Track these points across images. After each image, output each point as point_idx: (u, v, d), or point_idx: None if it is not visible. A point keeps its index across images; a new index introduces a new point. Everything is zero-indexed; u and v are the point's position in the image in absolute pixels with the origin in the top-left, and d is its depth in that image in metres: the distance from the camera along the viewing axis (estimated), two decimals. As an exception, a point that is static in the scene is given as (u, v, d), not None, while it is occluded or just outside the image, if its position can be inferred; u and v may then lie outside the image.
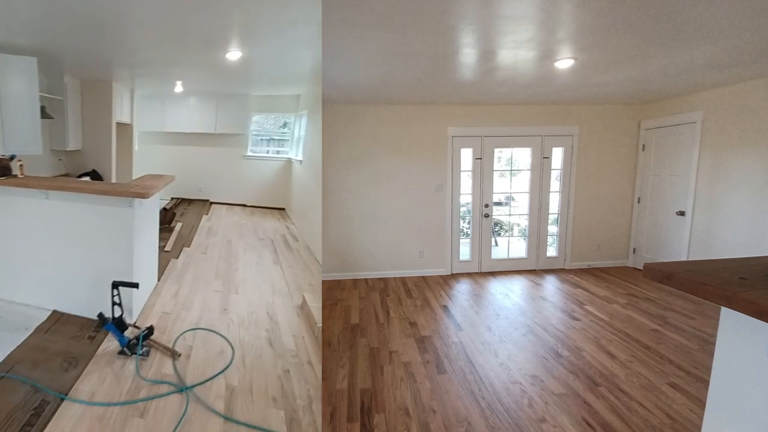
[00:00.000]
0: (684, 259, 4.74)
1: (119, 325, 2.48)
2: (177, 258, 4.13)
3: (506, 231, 6.88)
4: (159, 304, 3.10)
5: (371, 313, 4.06)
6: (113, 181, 5.68)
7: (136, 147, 6.94)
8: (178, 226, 5.47)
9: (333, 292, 4.80)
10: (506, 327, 3.70)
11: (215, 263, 4.09)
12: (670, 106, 4.98)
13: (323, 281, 5.18)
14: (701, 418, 2.30)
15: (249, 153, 7.20)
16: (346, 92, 4.37)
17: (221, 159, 7.18)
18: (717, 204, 4.34)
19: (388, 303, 4.38)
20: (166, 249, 4.40)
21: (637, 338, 3.39)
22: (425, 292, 4.77)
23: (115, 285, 2.51)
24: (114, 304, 2.51)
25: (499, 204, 5.97)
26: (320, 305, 3.12)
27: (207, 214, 6.51)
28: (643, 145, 5.46)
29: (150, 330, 2.57)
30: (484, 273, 5.54)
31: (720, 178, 4.31)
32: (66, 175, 5.33)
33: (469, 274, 5.49)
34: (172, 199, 7.09)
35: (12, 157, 3.15)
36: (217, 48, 3.32)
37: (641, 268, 5.41)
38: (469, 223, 5.61)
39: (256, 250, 4.57)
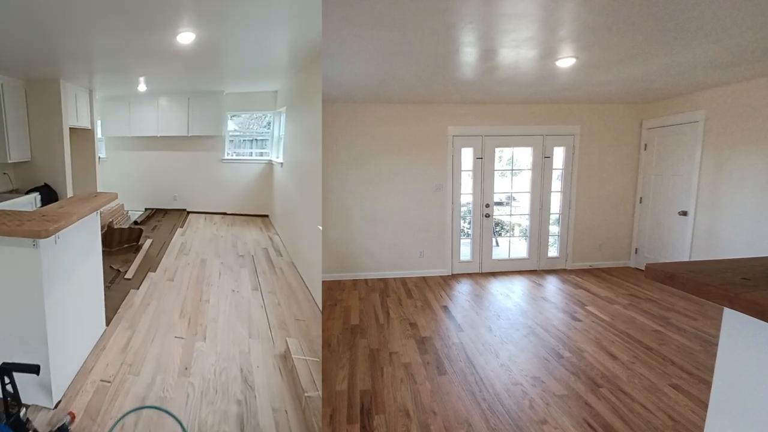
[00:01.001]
0: (686, 259, 4.72)
1: (16, 427, 1.79)
2: (138, 288, 3.55)
3: (507, 231, 6.85)
4: (100, 366, 2.42)
5: (371, 314, 4.05)
6: (69, 195, 4.94)
7: (101, 154, 6.37)
8: (147, 243, 4.94)
9: (333, 292, 4.78)
10: (507, 328, 3.68)
11: (183, 294, 3.48)
12: (672, 106, 4.95)
13: (323, 281, 5.16)
14: (704, 420, 2.28)
15: (226, 156, 6.75)
16: (345, 91, 4.35)
17: (197, 164, 6.70)
18: (719, 204, 4.32)
19: (388, 304, 4.36)
20: (126, 276, 3.84)
21: (639, 339, 3.37)
22: (425, 292, 4.75)
23: (5, 370, 1.81)
24: (5, 395, 1.81)
25: (499, 204, 5.94)
26: (312, 356, 2.55)
27: (182, 226, 5.94)
28: (645, 145, 5.43)
29: (63, 428, 1.88)
30: (485, 273, 5.52)
31: (723, 178, 4.28)
32: (14, 191, 4.63)
33: (469, 275, 5.47)
34: (146, 210, 6.61)
35: None
36: (166, 29, 2.83)
37: (643, 268, 5.39)
38: (469, 223, 5.59)
39: (234, 272, 4.08)
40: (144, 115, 6.46)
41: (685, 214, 4.76)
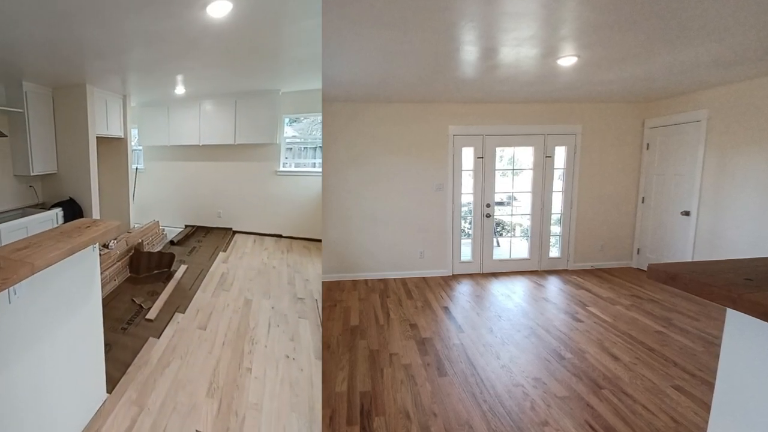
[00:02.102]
0: (689, 259, 4.69)
1: None
2: (159, 337, 2.80)
3: (508, 231, 6.83)
4: None
5: (371, 315, 4.03)
6: (95, 213, 4.42)
7: (138, 165, 5.77)
8: (181, 270, 4.18)
9: (332, 293, 4.76)
10: (508, 329, 3.66)
11: (216, 354, 2.59)
12: (674, 105, 4.93)
13: (322, 282, 5.15)
14: (706, 422, 2.26)
15: (282, 167, 5.67)
16: (345, 90, 4.33)
17: (246, 176, 5.74)
18: (722, 204, 4.29)
19: (388, 304, 4.34)
20: (148, 317, 3.12)
21: (642, 340, 3.35)
22: (426, 293, 4.73)
23: None
24: None
25: (500, 204, 5.92)
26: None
27: (225, 249, 4.99)
28: (648, 144, 5.41)
29: None
30: (486, 274, 5.50)
31: (725, 178, 4.26)
32: (40, 205, 4.32)
33: (470, 275, 5.45)
34: (185, 227, 5.83)
35: None
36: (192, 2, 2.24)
37: (645, 268, 5.36)
38: (470, 223, 5.57)
39: (290, 323, 3.07)
40: (184, 121, 5.70)
41: (687, 214, 4.73)
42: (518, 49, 2.91)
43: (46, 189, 4.55)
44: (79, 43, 2.98)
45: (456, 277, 5.37)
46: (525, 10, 2.23)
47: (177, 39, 2.90)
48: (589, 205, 5.55)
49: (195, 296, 3.57)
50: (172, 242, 5.33)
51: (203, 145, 5.73)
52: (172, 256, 4.30)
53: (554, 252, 5.68)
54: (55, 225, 3.88)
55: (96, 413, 2.07)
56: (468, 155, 5.36)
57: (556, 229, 5.68)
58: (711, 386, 2.58)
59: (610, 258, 5.69)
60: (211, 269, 4.28)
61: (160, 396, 2.21)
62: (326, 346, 3.31)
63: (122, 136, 5.16)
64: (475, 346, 3.30)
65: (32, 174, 4.14)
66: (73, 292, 1.96)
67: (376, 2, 2.10)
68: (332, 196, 5.19)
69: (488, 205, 5.44)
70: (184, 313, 3.24)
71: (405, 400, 2.55)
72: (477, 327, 3.71)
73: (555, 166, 5.49)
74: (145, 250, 4.48)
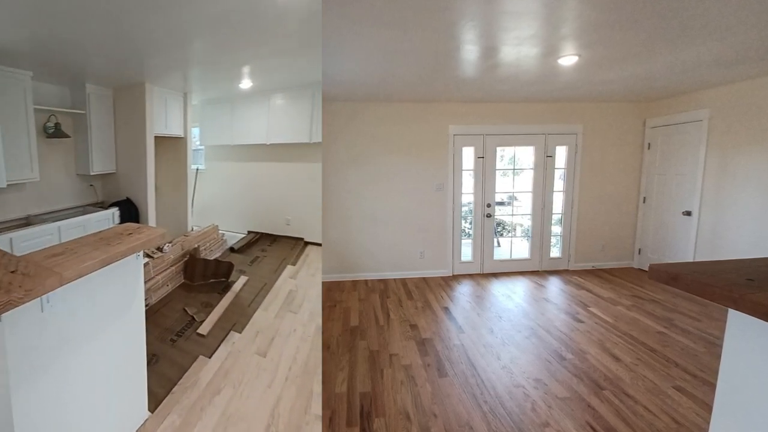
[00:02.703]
0: (690, 259, 4.67)
1: None
2: (211, 357, 2.53)
3: (509, 231, 6.81)
4: None
5: (371, 315, 4.02)
6: (151, 214, 4.32)
7: (200, 165, 5.44)
8: (241, 282, 3.82)
9: (332, 293, 4.76)
10: (509, 329, 3.64)
11: (277, 389, 2.21)
12: (676, 104, 4.91)
13: (322, 282, 5.14)
14: (708, 423, 2.25)
15: None
16: (345, 89, 4.32)
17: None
18: (724, 204, 4.28)
19: (388, 305, 4.33)
20: (200, 331, 2.85)
21: (643, 341, 3.34)
22: (426, 293, 4.72)
23: None
24: None
25: (501, 204, 5.91)
26: None
27: (294, 263, 4.46)
28: (649, 144, 5.39)
29: None
30: (486, 274, 5.48)
31: (727, 178, 4.24)
32: (99, 203, 4.39)
33: (470, 276, 5.44)
34: (248, 233, 5.38)
35: None
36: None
37: (646, 269, 5.34)
38: (470, 223, 5.56)
39: None
40: (250, 118, 5.25)
41: (689, 214, 4.72)
42: (519, 49, 2.90)
43: (105, 188, 4.61)
44: (137, 39, 2.87)
45: (456, 278, 5.36)
46: (526, 9, 2.22)
47: (245, 22, 2.54)
48: (590, 205, 5.53)
49: (255, 315, 3.13)
50: (232, 249, 4.90)
51: (271, 144, 5.17)
52: (230, 266, 3.93)
53: (555, 252, 5.67)
54: (112, 224, 3.95)
55: (137, 430, 1.94)
56: (468, 155, 5.35)
57: (556, 229, 5.67)
58: (712, 387, 2.58)
59: (611, 258, 5.67)
60: (275, 284, 3.77)
61: (206, 429, 1.94)
62: (326, 346, 3.30)
63: (182, 135, 4.95)
64: (475, 347, 3.29)
65: (92, 173, 4.22)
66: (114, 302, 1.83)
67: (376, 1, 2.09)
68: (332, 196, 5.18)
69: (489, 205, 5.43)
70: (240, 333, 2.85)
71: (405, 401, 2.54)
72: (477, 327, 3.69)
73: (556, 166, 5.47)
74: (201, 256, 4.15)
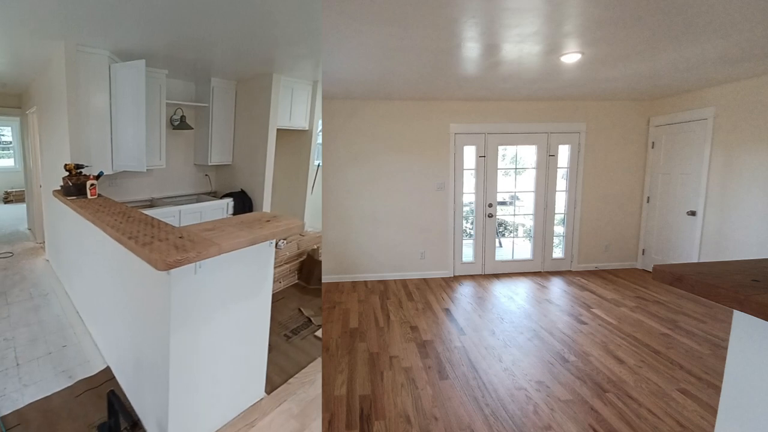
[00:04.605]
0: (695, 260, 4.63)
1: None
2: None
3: (511, 231, 6.77)
4: None
5: (371, 317, 3.99)
6: (266, 207, 4.36)
7: (317, 161, 5.04)
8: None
9: (331, 294, 4.73)
10: (511, 331, 3.61)
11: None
12: (680, 102, 4.86)
13: (321, 283, 5.12)
14: (713, 426, 2.22)
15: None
16: (344, 87, 4.30)
17: None
18: (729, 203, 4.23)
19: (388, 306, 4.30)
20: (317, 334, 2.88)
21: (647, 343, 3.30)
22: (427, 294, 4.69)
23: (110, 400, 1.77)
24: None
25: (503, 203, 5.87)
26: None
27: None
28: (653, 143, 5.34)
29: None
30: (488, 275, 5.45)
31: (732, 177, 4.20)
32: (212, 193, 4.58)
33: (472, 276, 5.40)
34: None
35: (99, 175, 2.85)
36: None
37: (651, 269, 5.30)
38: (472, 223, 5.52)
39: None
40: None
41: (693, 214, 4.67)
42: (521, 46, 2.87)
43: (219, 179, 4.73)
44: (269, 34, 2.89)
45: (457, 279, 5.32)
46: (528, 6, 2.20)
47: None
48: (593, 204, 5.49)
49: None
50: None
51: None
52: None
53: (558, 253, 5.63)
54: (226, 214, 4.21)
55: (252, 406, 2.09)
56: (470, 154, 5.31)
57: (559, 229, 5.63)
58: (717, 390, 2.55)
59: (615, 259, 5.63)
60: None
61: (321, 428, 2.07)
62: (325, 348, 3.27)
63: (306, 128, 4.76)
64: (476, 349, 3.26)
65: (209, 164, 4.37)
66: (248, 281, 1.99)
67: (374, -2, 2.06)
68: (331, 195, 5.16)
69: (490, 205, 5.39)
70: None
71: (405, 404, 2.51)
72: (479, 329, 3.66)
73: (558, 165, 5.43)
74: (318, 258, 3.96)
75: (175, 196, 4.35)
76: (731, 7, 2.21)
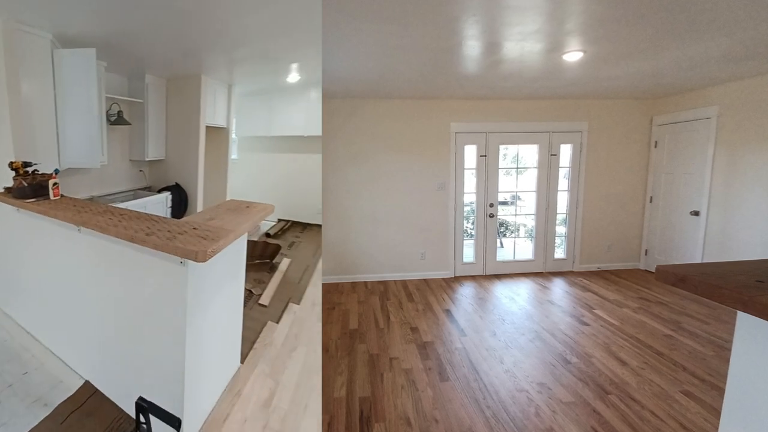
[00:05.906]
0: (698, 261, 4.60)
1: None
2: (278, 322, 2.87)
3: (512, 232, 6.75)
4: (236, 419, 1.97)
5: (371, 318, 3.97)
6: (199, 199, 4.68)
7: (233, 155, 5.69)
8: (285, 263, 4.04)
9: (331, 295, 4.71)
10: (512, 332, 3.59)
11: None
12: (683, 101, 4.83)
13: (321, 284, 5.10)
14: (716, 428, 2.19)
15: None
16: (344, 86, 4.29)
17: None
18: (733, 203, 4.20)
19: (388, 307, 4.28)
20: (261, 302, 3.10)
21: (650, 344, 3.27)
22: (427, 295, 4.67)
23: (142, 408, 1.62)
24: None
25: (504, 203, 5.85)
26: None
27: None
28: (656, 142, 5.31)
29: None
30: (489, 275, 5.42)
31: (736, 176, 4.16)
32: (147, 188, 4.67)
33: (473, 277, 5.38)
34: (278, 221, 5.64)
35: (56, 173, 2.61)
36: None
37: (653, 270, 5.27)
38: (473, 223, 5.49)
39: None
40: (287, 111, 5.46)
41: (697, 214, 4.64)
42: (522, 44, 2.85)
43: (152, 174, 4.83)
44: (200, 38, 3.08)
45: (458, 279, 5.30)
46: (530, 4, 2.19)
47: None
48: (596, 204, 5.46)
49: (306, 290, 3.41)
50: (267, 234, 5.05)
51: (308, 137, 5.39)
52: (277, 247, 4.13)
53: (559, 253, 5.60)
54: (166, 207, 4.32)
55: (233, 377, 2.25)
56: (470, 153, 5.29)
57: (561, 229, 5.60)
58: (721, 391, 2.53)
59: (617, 259, 5.59)
60: (317, 266, 4.11)
61: (292, 377, 2.31)
62: (325, 349, 3.26)
63: (225, 126, 5.20)
64: (477, 350, 3.24)
65: (146, 159, 4.43)
66: (232, 267, 2.14)
67: (374, -5, 2.04)
68: (331, 195, 5.14)
69: (491, 205, 5.36)
70: (299, 304, 3.18)
71: (406, 406, 2.49)
72: (480, 330, 3.64)
73: (560, 165, 5.40)
74: (251, 237, 4.28)
75: (115, 193, 4.32)
76: (735, 5, 2.19)
